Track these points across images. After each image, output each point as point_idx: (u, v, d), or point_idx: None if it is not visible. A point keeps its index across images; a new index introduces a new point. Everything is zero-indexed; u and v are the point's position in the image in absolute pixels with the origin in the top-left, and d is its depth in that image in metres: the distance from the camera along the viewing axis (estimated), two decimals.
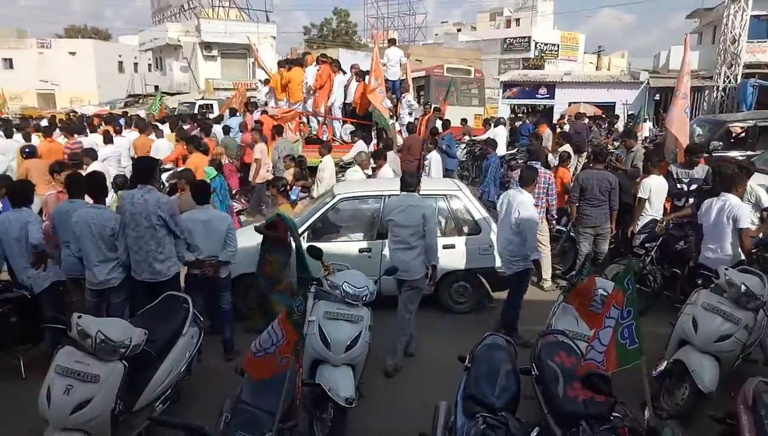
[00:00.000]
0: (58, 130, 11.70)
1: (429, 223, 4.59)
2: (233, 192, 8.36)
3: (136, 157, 8.93)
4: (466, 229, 5.89)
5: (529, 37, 36.44)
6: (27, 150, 8.32)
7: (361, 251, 5.65)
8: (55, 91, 36.85)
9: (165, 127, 11.38)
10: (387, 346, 4.69)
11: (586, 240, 6.36)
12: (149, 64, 36.83)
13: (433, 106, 12.55)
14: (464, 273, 5.79)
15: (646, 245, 5.90)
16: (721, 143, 9.84)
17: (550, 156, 9.80)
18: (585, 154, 10.97)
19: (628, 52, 44.20)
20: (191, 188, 5.08)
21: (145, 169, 4.57)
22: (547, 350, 3.45)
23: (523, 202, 5.05)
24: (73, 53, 37.96)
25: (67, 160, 7.69)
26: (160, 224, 4.25)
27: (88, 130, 11.04)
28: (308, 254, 4.41)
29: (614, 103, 23.18)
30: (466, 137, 13.91)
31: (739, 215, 4.68)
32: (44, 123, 14.32)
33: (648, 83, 23.65)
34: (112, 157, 9.21)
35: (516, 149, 13.35)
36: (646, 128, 15.58)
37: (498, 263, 5.58)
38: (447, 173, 9.91)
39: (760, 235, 5.33)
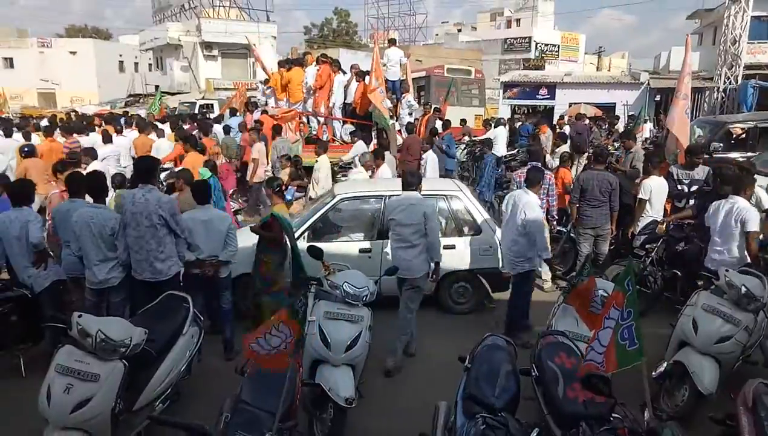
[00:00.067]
0: (58, 129, 11.70)
1: (430, 221, 4.61)
2: (230, 192, 8.35)
3: (136, 156, 8.93)
4: (466, 229, 5.89)
5: (530, 38, 36.50)
6: (26, 149, 8.31)
7: (361, 251, 5.66)
8: (55, 90, 36.85)
9: (165, 127, 11.38)
10: (387, 346, 4.69)
11: (587, 241, 6.36)
12: (150, 64, 36.87)
13: (433, 106, 12.51)
14: (465, 273, 5.80)
15: (647, 246, 5.91)
16: (721, 144, 9.82)
17: (548, 157, 9.80)
18: (585, 154, 10.96)
19: (628, 53, 44.25)
20: (191, 188, 5.09)
21: (146, 168, 4.58)
22: (547, 351, 3.45)
23: (529, 203, 5.05)
24: (73, 53, 37.95)
25: (65, 159, 7.68)
26: (161, 224, 4.26)
27: (87, 130, 11.02)
28: (309, 253, 4.41)
29: (615, 103, 23.16)
30: (466, 138, 13.88)
31: (747, 218, 4.65)
32: (44, 123, 14.29)
33: (648, 84, 23.66)
34: (111, 157, 9.22)
35: (516, 150, 13.35)
36: (646, 129, 15.55)
37: (499, 263, 5.58)
38: (447, 173, 9.90)
39: (760, 236, 5.33)
